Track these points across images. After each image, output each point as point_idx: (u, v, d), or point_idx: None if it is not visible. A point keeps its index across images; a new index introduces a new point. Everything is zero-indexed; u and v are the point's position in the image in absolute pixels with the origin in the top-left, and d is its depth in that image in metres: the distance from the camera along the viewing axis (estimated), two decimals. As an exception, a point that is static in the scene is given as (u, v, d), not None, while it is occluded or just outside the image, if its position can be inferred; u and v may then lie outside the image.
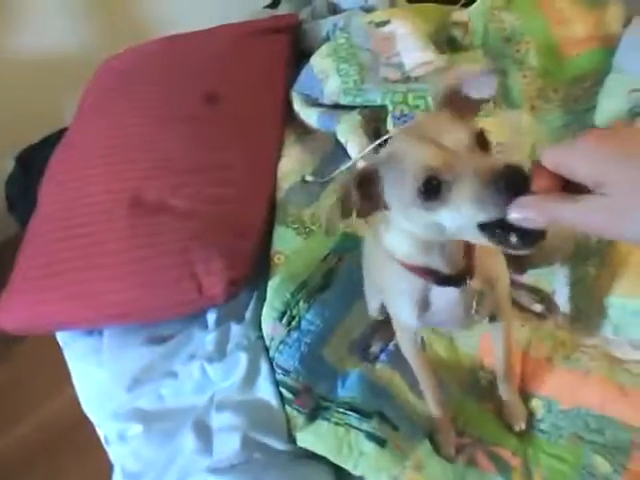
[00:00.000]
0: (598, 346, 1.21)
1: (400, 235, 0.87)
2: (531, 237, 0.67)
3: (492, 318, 1.11)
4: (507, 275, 1.03)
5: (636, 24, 1.63)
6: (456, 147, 0.70)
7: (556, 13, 1.79)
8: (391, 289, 1.04)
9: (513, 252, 0.70)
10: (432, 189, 0.70)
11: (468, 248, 0.91)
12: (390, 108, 1.63)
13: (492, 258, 0.99)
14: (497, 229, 0.68)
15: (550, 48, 1.74)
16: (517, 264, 1.33)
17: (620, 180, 0.58)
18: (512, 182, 0.64)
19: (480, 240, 0.71)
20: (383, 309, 1.24)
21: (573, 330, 1.24)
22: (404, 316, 1.04)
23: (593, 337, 1.22)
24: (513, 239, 0.67)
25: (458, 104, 0.80)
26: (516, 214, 0.64)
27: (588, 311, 1.24)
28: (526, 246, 0.68)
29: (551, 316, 1.28)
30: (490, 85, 0.86)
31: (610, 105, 1.57)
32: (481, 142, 0.71)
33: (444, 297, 0.96)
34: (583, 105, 1.69)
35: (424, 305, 0.97)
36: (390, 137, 1.61)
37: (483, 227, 0.68)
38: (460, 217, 0.69)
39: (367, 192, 0.78)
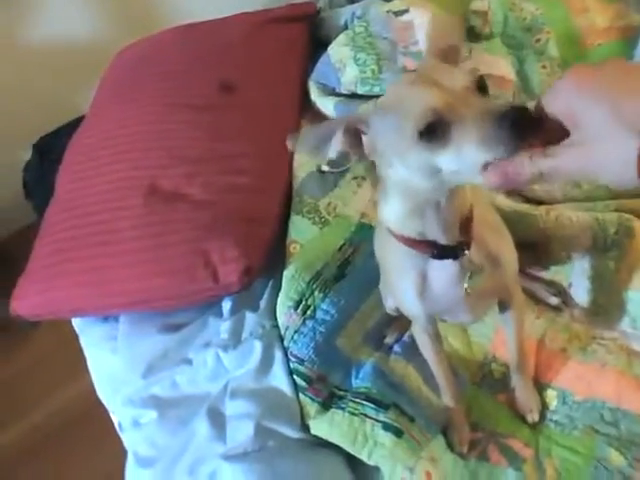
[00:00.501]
0: (616, 339, 1.19)
1: (395, 200, 0.85)
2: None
3: (502, 308, 1.10)
4: (515, 257, 1.00)
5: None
6: (457, 88, 0.69)
7: (577, 3, 1.77)
8: (394, 275, 1.02)
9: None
10: (434, 131, 0.68)
11: (466, 221, 0.88)
12: (407, 97, 1.61)
13: (496, 236, 0.96)
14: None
15: (570, 38, 1.73)
16: (535, 257, 1.32)
17: (592, 120, 0.56)
18: (519, 122, 0.62)
19: (478, 179, 0.69)
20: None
21: (591, 323, 1.23)
22: (408, 303, 1.01)
23: (612, 331, 1.21)
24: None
25: (445, 53, 0.79)
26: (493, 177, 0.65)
27: (607, 305, 1.23)
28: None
29: (567, 309, 1.27)
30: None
31: (631, 96, 1.54)
32: (481, 87, 0.70)
33: (443, 272, 0.92)
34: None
35: (424, 284, 0.94)
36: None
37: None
38: (463, 158, 0.68)
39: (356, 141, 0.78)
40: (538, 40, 1.74)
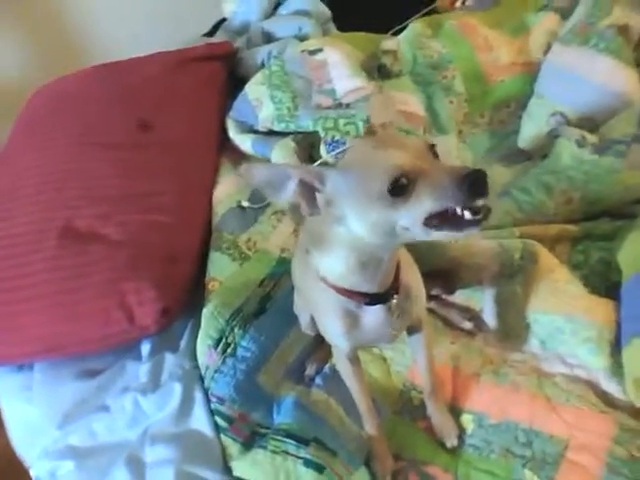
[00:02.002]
0: (527, 361, 1.23)
1: (338, 256, 0.89)
2: (482, 212, 0.75)
3: (411, 330, 1.13)
4: (422, 284, 1.06)
5: (555, 51, 1.71)
6: (417, 148, 0.78)
7: (481, 41, 1.87)
8: (321, 310, 1.06)
9: (464, 232, 0.77)
10: (400, 187, 0.75)
11: (396, 269, 0.95)
12: (322, 134, 1.65)
13: (408, 270, 1.02)
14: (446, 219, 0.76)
15: (475, 74, 1.82)
16: (447, 284, 1.36)
17: None
18: (476, 182, 0.72)
19: (427, 235, 0.78)
20: (314, 323, 1.24)
21: (502, 347, 1.27)
22: (335, 336, 1.06)
23: (522, 352, 1.25)
24: (468, 216, 0.75)
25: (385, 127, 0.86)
26: None
27: (516, 328, 1.27)
28: (480, 221, 0.75)
29: (480, 333, 1.31)
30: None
31: (532, 128, 1.64)
32: (434, 154, 0.80)
33: (373, 315, 0.98)
34: (508, 129, 1.76)
35: (354, 324, 1.00)
36: (322, 162, 1.64)
37: (429, 222, 0.77)
38: (418, 208, 0.76)
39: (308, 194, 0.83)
40: (445, 77, 1.83)
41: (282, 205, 0.86)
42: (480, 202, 0.75)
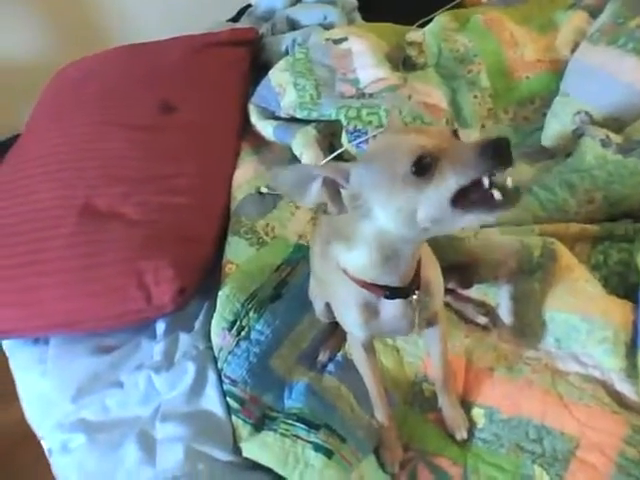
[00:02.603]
0: (541, 358, 1.23)
1: (362, 252, 0.90)
2: (512, 193, 0.75)
3: (426, 323, 1.13)
4: (442, 282, 1.07)
5: (582, 50, 1.70)
6: (439, 132, 0.80)
7: (507, 36, 1.86)
8: (339, 300, 1.06)
9: (495, 213, 0.77)
10: (424, 166, 0.75)
11: (417, 264, 0.96)
12: (344, 123, 1.65)
13: (430, 265, 1.02)
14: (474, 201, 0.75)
15: (501, 70, 1.81)
16: (464, 279, 1.35)
17: None
18: (501, 148, 0.72)
19: (457, 220, 0.78)
20: (328, 311, 1.25)
21: (517, 343, 1.27)
22: (352, 326, 1.07)
23: (536, 350, 1.25)
24: (497, 195, 0.75)
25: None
26: None
27: (532, 325, 1.27)
28: (510, 201, 0.75)
29: (495, 329, 1.31)
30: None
31: (556, 126, 1.62)
32: (456, 137, 0.82)
33: (392, 308, 0.99)
34: (532, 126, 1.75)
35: (372, 315, 1.00)
36: (343, 150, 1.64)
37: (457, 202, 0.76)
38: (444, 188, 0.75)
39: (333, 192, 0.84)
40: (470, 71, 1.82)
41: (311, 207, 0.86)
42: (508, 180, 0.75)
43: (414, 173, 0.76)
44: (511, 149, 0.73)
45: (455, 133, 0.81)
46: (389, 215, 0.82)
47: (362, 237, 0.88)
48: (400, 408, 1.25)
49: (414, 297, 0.97)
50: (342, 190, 0.84)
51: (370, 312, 1.00)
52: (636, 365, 1.11)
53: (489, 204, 0.76)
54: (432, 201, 0.77)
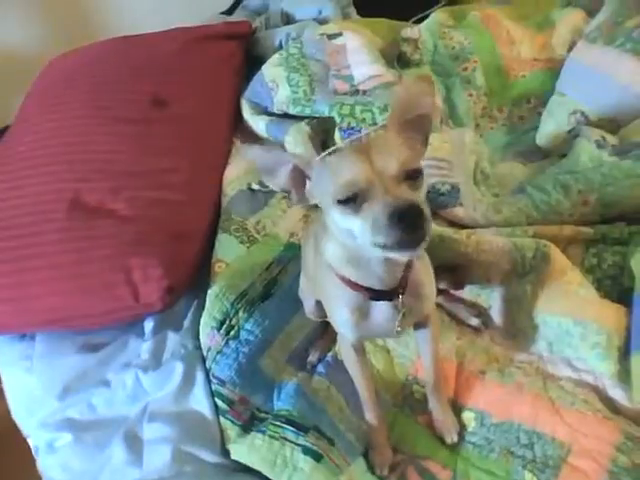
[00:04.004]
0: (533, 362, 1.22)
1: (334, 245, 0.93)
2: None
3: (417, 325, 1.12)
4: (434, 286, 1.06)
5: (579, 49, 1.68)
6: (383, 170, 0.79)
7: (504, 34, 1.84)
8: (331, 299, 1.05)
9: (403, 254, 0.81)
10: (351, 200, 0.79)
11: (406, 269, 0.95)
12: (337, 120, 1.63)
13: (421, 268, 1.01)
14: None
15: (496, 68, 1.79)
16: (456, 280, 1.34)
17: None
18: (406, 220, 0.75)
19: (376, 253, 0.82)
20: (318, 309, 1.25)
21: (508, 346, 1.26)
22: (343, 326, 1.06)
23: (528, 353, 1.24)
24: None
25: (407, 121, 0.87)
26: None
27: (524, 328, 1.26)
28: (415, 247, 0.78)
29: (487, 331, 1.29)
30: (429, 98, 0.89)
31: (551, 126, 1.61)
32: (409, 174, 0.81)
33: (381, 310, 0.98)
34: (527, 125, 1.74)
35: (362, 316, 1.00)
36: (336, 148, 1.62)
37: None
38: (364, 231, 0.79)
39: (299, 182, 0.89)
40: (465, 68, 1.80)
41: (275, 190, 0.91)
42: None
43: (342, 203, 0.80)
44: (423, 218, 0.76)
45: (412, 173, 0.81)
46: (329, 221, 0.87)
47: (331, 231, 0.90)
48: (390, 410, 1.24)
49: (399, 300, 0.96)
50: (307, 182, 0.89)
51: (360, 313, 0.99)
52: (628, 370, 1.10)
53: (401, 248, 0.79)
54: (357, 234, 0.81)
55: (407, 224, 0.76)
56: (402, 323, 0.99)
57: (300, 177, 0.89)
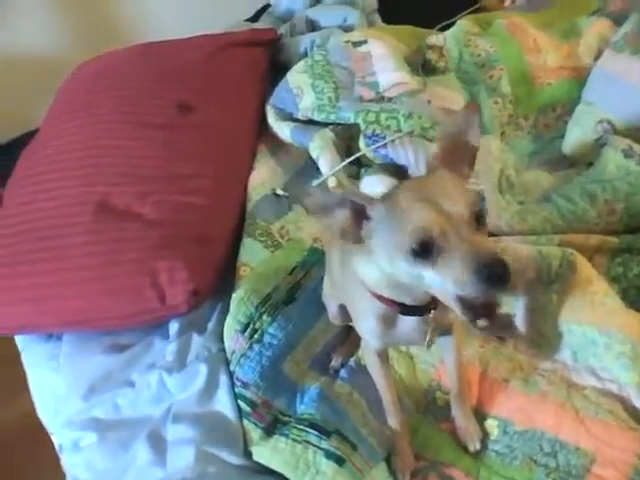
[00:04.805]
0: (557, 370, 1.21)
1: (375, 269, 0.89)
2: (495, 327, 0.78)
3: (441, 332, 1.11)
4: None
5: (606, 58, 1.67)
6: (455, 216, 0.76)
7: (530, 42, 1.84)
8: (358, 309, 1.06)
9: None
10: (425, 251, 0.76)
11: None
12: (362, 127, 1.64)
13: None
14: (471, 307, 0.76)
15: (522, 76, 1.79)
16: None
17: None
18: (495, 275, 0.71)
19: (453, 307, 0.78)
20: (341, 313, 1.25)
21: (533, 354, 1.25)
22: (369, 335, 1.07)
23: (552, 362, 1.23)
24: (482, 323, 0.77)
25: (456, 152, 0.85)
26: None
27: (549, 337, 1.25)
28: (490, 332, 0.80)
29: (511, 339, 1.29)
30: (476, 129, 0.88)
31: (578, 134, 1.60)
32: (477, 216, 0.78)
33: (409, 321, 0.98)
34: (552, 133, 1.73)
35: (388, 327, 1.00)
36: (361, 155, 1.63)
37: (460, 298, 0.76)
38: (441, 283, 0.76)
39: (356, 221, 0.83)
40: (491, 76, 1.80)
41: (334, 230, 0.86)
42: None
43: (413, 254, 0.76)
44: (509, 272, 0.72)
45: (478, 213, 0.78)
46: (394, 270, 0.83)
47: (374, 260, 0.87)
48: (413, 416, 1.24)
49: (430, 315, 0.96)
50: (365, 221, 0.84)
51: (387, 323, 0.99)
52: (654, 381, 1.09)
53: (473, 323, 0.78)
54: (431, 285, 0.79)
55: (495, 280, 0.72)
56: (431, 335, 0.99)
57: (358, 217, 0.84)
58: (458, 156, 0.86)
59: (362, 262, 0.93)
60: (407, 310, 0.95)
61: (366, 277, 0.94)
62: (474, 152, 0.88)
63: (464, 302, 0.76)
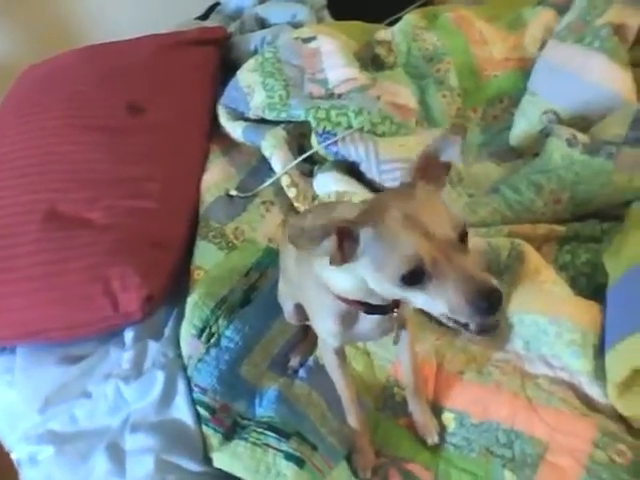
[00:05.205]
0: (510, 361, 1.23)
1: (348, 279, 0.89)
2: (487, 328, 0.79)
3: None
4: None
5: (549, 48, 1.70)
6: (443, 239, 0.76)
7: (476, 34, 1.86)
8: (316, 308, 1.06)
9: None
10: (415, 278, 0.76)
11: None
12: (313, 124, 1.64)
13: None
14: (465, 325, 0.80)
15: (469, 68, 1.81)
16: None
17: None
18: (489, 305, 0.74)
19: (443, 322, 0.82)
20: (298, 313, 1.25)
21: (485, 345, 1.27)
22: (327, 334, 1.07)
23: (505, 352, 1.25)
24: (472, 327, 0.80)
25: (432, 168, 0.85)
26: None
27: (501, 327, 1.26)
28: (482, 334, 0.80)
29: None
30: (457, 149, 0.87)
31: (524, 125, 1.63)
32: (462, 236, 0.79)
33: (369, 320, 0.99)
34: (500, 125, 1.76)
35: (348, 326, 1.00)
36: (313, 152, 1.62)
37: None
38: (432, 305, 0.78)
39: (342, 243, 0.81)
40: (439, 70, 1.81)
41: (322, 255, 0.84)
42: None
43: (403, 280, 0.77)
44: (502, 300, 0.75)
45: (464, 237, 0.80)
46: (375, 286, 0.84)
47: (350, 271, 0.86)
48: (372, 413, 1.25)
49: (394, 314, 0.97)
50: (348, 241, 0.82)
51: (347, 322, 1.00)
52: (604, 367, 1.12)
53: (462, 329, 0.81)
54: (418, 303, 0.81)
55: (490, 309, 0.74)
56: (389, 329, 1.01)
57: (345, 240, 0.81)
58: (435, 170, 0.85)
59: (329, 269, 0.89)
60: (371, 309, 0.95)
61: (333, 283, 0.93)
62: (449, 165, 0.88)
63: (457, 322, 0.80)
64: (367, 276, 0.84)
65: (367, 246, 0.81)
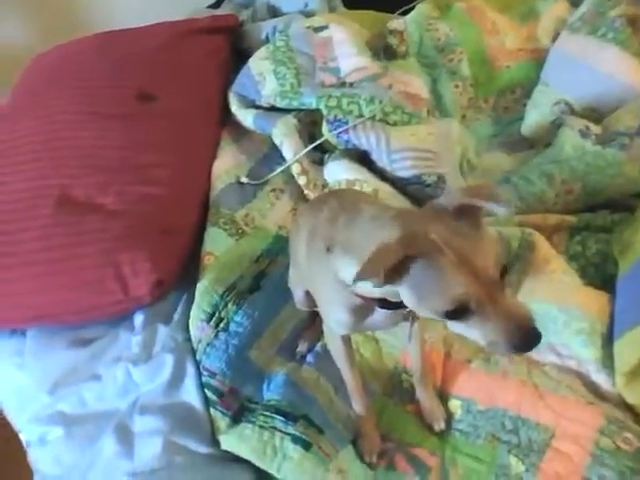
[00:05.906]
0: (518, 349, 1.23)
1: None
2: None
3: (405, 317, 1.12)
4: None
5: (562, 39, 1.69)
6: (488, 279, 0.77)
7: (489, 24, 1.85)
8: (328, 300, 1.05)
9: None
10: (458, 313, 0.78)
11: None
12: (325, 112, 1.64)
13: None
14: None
15: (482, 59, 1.80)
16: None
17: None
18: (528, 342, 0.77)
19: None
20: (308, 299, 1.25)
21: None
22: (336, 323, 1.07)
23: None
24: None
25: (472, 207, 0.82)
26: None
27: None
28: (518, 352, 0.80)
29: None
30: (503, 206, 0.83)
31: (536, 116, 1.63)
32: (502, 272, 0.80)
33: (382, 313, 0.98)
34: (512, 115, 1.75)
35: (360, 318, 1.00)
36: (324, 140, 1.62)
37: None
38: (469, 335, 0.80)
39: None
40: (451, 60, 1.81)
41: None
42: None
43: (446, 315, 0.78)
44: (540, 339, 0.77)
45: (503, 270, 0.80)
46: (412, 307, 0.84)
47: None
48: (379, 399, 1.26)
49: (408, 309, 0.95)
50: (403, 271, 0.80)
51: (359, 315, 0.99)
52: (611, 356, 1.12)
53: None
54: (454, 329, 0.82)
55: (528, 345, 0.78)
56: (399, 320, 1.01)
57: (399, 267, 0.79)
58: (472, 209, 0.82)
59: (351, 265, 0.87)
60: (387, 305, 0.94)
61: (350, 280, 0.88)
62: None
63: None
64: (405, 298, 0.83)
65: (415, 275, 0.79)
